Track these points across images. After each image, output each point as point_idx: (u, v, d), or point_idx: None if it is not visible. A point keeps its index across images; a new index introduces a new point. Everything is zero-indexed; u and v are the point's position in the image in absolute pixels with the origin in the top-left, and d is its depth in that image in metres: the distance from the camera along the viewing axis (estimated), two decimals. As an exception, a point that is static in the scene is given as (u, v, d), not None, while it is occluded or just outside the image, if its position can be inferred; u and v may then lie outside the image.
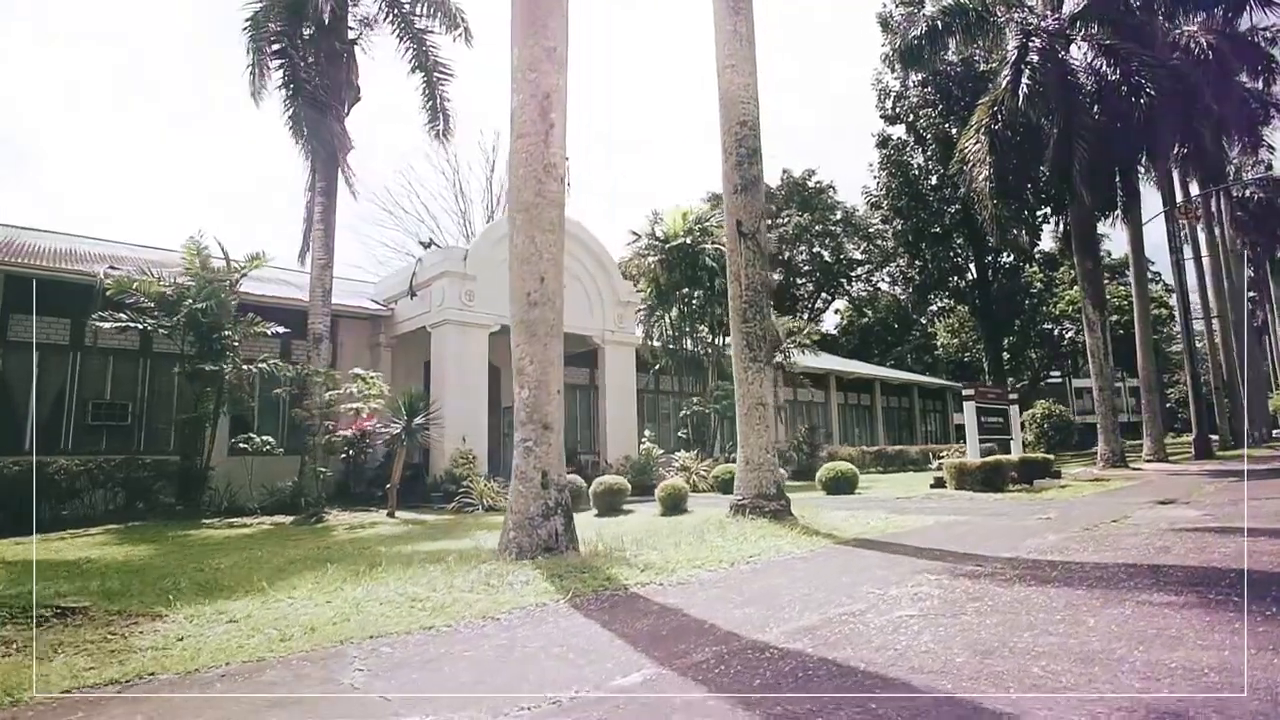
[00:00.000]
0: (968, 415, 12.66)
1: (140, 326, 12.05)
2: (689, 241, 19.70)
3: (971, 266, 35.99)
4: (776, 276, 48.51)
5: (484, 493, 12.67)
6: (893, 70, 28.02)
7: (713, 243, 19.05)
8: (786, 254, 47.94)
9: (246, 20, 15.27)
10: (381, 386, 13.11)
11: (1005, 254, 34.57)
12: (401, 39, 16.86)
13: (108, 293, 12.11)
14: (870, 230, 44.47)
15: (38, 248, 15.18)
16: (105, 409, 13.87)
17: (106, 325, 11.82)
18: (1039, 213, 30.60)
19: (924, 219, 34.78)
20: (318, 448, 13.82)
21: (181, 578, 5.89)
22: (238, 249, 13.74)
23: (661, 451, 17.65)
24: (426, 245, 17.74)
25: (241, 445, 12.61)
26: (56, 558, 7.97)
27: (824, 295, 51.37)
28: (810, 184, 48.31)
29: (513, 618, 3.95)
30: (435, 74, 16.97)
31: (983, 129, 17.75)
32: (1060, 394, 41.81)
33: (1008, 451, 13.80)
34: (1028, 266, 38.10)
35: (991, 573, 4.73)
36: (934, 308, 43.85)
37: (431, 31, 16.84)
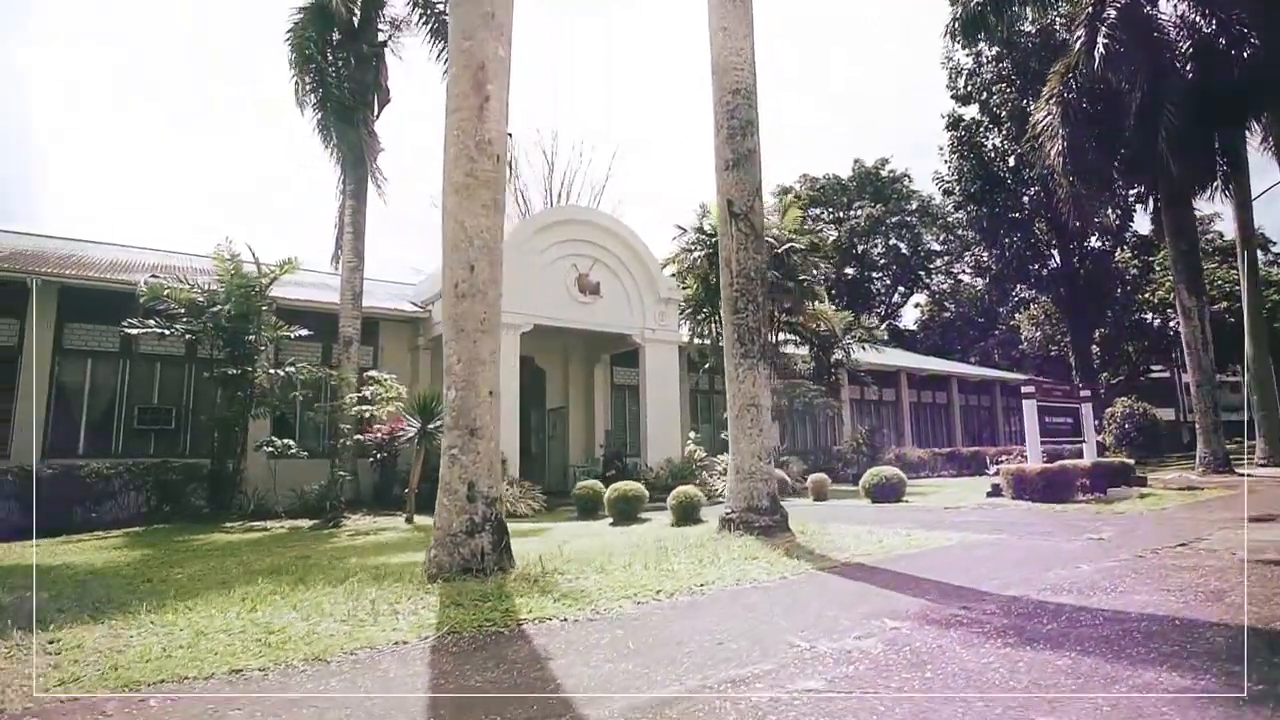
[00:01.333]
0: (1027, 415, 11.18)
1: (165, 332, 12.24)
2: (735, 234, 18.69)
3: (1055, 253, 32.80)
4: (849, 270, 46.40)
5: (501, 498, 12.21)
6: (961, 45, 25.85)
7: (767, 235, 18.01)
8: (860, 247, 45.74)
9: (288, 31, 15.46)
10: (398, 389, 12.88)
11: (1093, 238, 31.29)
12: (435, 39, 16.66)
13: (141, 299, 12.40)
14: (949, 219, 41.76)
15: (95, 260, 15.88)
16: (151, 413, 14.30)
17: (134, 331, 12.08)
18: (1131, 192, 27.59)
19: (1001, 204, 32.00)
20: (343, 450, 13.79)
21: (110, 591, 5.63)
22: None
23: (704, 454, 16.78)
24: (456, 245, 17.40)
25: (267, 448, 12.64)
26: (49, 562, 7.98)
27: (901, 289, 48.82)
28: (883, 173, 46.01)
29: (346, 661, 3.32)
30: (471, 73, 16.64)
31: (1054, 98, 15.94)
32: (1167, 391, 37.81)
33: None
34: (1119, 251, 34.45)
35: (973, 620, 3.74)
36: (1017, 298, 40.52)
37: (467, 30, 16.57)
